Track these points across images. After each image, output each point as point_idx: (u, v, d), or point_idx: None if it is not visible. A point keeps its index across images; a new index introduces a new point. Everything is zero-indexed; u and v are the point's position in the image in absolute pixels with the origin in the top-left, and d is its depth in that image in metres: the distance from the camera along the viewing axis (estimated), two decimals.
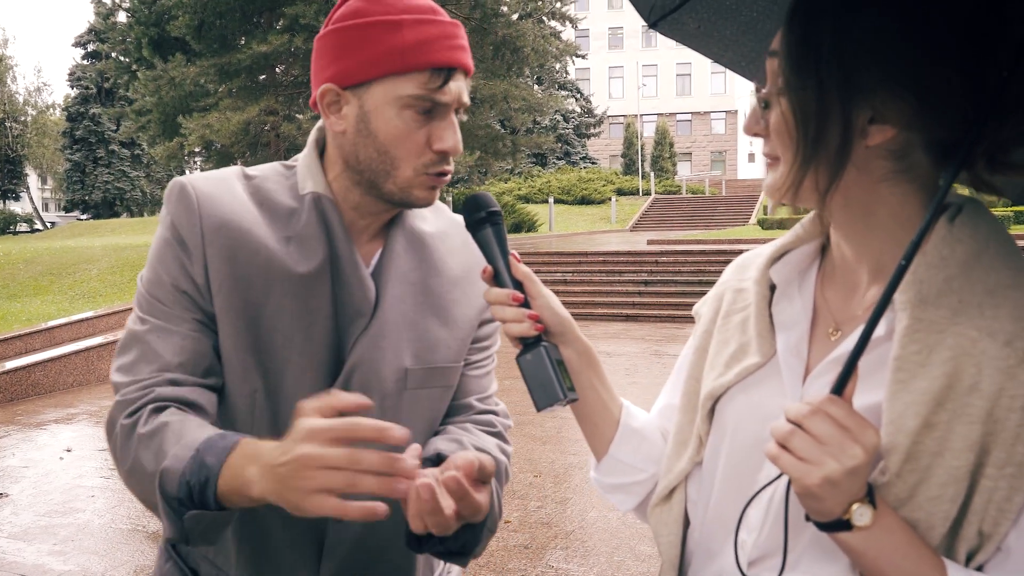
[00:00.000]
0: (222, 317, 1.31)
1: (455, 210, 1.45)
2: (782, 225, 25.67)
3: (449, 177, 1.34)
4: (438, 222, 1.47)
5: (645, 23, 1.41)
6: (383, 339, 1.36)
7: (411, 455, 1.06)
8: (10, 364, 9.55)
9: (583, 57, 33.54)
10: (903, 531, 0.93)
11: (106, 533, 5.22)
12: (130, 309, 11.02)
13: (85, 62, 54.25)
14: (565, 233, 28.49)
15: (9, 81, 56.64)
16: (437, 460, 1.26)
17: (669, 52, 61.99)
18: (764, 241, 19.91)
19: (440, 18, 1.28)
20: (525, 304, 1.19)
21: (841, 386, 0.92)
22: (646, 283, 16.04)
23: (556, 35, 25.01)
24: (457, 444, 1.36)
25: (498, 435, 1.48)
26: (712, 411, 1.17)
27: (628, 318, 14.92)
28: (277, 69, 22.55)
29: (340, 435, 1.01)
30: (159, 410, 1.23)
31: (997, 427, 0.90)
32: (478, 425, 1.46)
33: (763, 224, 26.27)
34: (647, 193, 41.82)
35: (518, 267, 1.22)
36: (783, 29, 1.01)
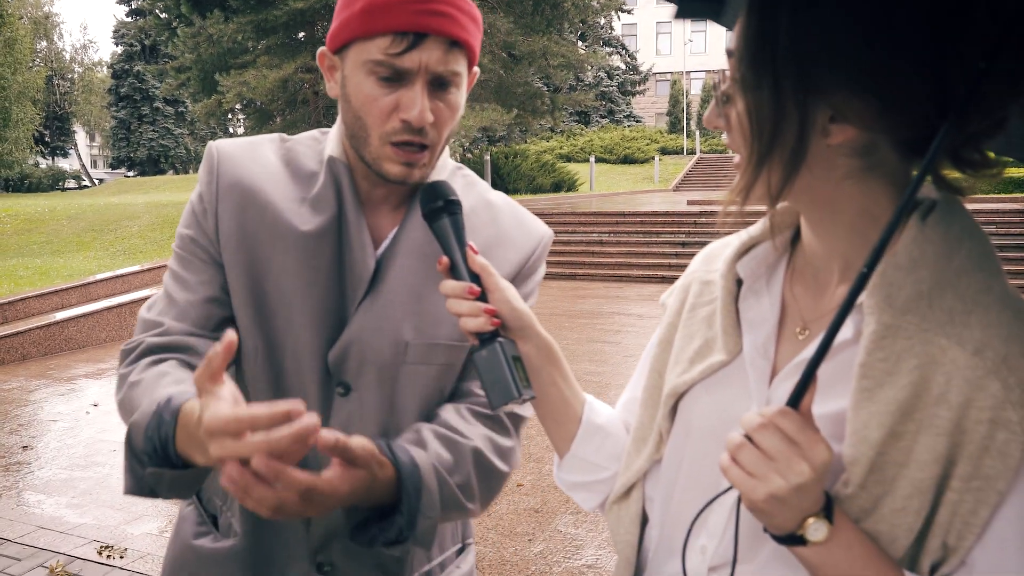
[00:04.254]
0: (230, 268, 1.35)
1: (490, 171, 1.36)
2: None
3: (427, 154, 1.30)
4: (467, 199, 1.40)
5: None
6: (387, 309, 1.35)
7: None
8: (45, 319, 9.70)
9: (628, 12, 33.07)
10: (862, 545, 0.91)
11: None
12: (167, 266, 11.45)
13: (129, 19, 54.57)
14: (606, 193, 28.23)
15: (56, 38, 57.35)
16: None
17: None
18: None
19: None
20: (482, 298, 1.17)
21: (798, 397, 0.88)
22: (683, 244, 15.82)
23: None
24: (415, 435, 1.31)
25: (491, 418, 1.39)
26: (675, 408, 1.14)
27: (664, 279, 14.73)
28: (316, 26, 22.49)
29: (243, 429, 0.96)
30: (154, 362, 1.28)
31: (964, 439, 0.87)
32: (474, 408, 1.39)
33: None
34: (692, 152, 41.32)
35: (475, 259, 1.19)
36: (739, 25, 0.95)
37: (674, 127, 51.93)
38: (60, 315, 9.92)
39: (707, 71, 60.12)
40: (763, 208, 1.00)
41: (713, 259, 1.20)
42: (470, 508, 1.34)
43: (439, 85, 1.27)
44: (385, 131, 1.27)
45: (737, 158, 1.01)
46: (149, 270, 12.50)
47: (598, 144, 39.98)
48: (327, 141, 1.41)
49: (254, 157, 1.39)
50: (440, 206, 1.22)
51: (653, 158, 36.46)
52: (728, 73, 0.98)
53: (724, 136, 1.02)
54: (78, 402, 7.36)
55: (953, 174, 0.95)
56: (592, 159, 30.57)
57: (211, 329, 1.36)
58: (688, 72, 57.56)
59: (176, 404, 1.13)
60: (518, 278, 1.43)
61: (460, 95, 1.31)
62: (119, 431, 6.45)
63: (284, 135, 1.46)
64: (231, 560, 1.43)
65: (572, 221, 17.44)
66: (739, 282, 1.12)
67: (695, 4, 0.97)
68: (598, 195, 26.77)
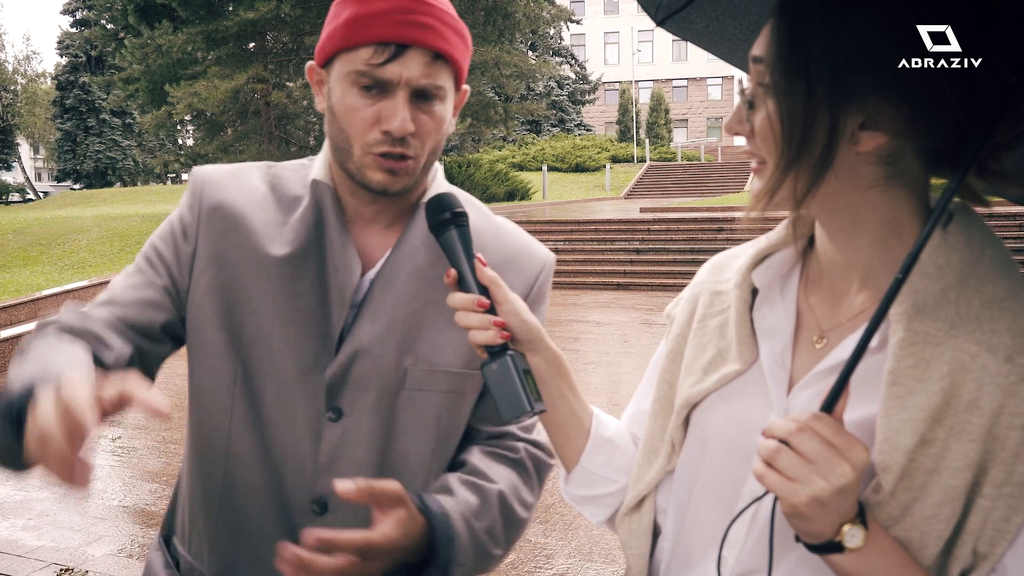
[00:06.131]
0: (204, 294, 1.33)
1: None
2: None
3: (410, 163, 1.28)
4: (473, 219, 1.34)
5: (653, 21, 1.38)
6: (385, 332, 1.32)
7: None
8: None
9: (577, 23, 33.27)
10: (896, 552, 0.91)
11: (84, 508, 5.16)
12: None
13: (74, 30, 53.64)
14: (559, 201, 28.32)
15: None
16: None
17: None
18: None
19: None
20: (491, 310, 1.15)
21: (831, 403, 0.89)
22: (638, 251, 15.95)
23: (550, 0, 24.74)
24: (442, 482, 1.35)
25: (516, 464, 1.41)
26: (688, 419, 1.14)
27: (619, 287, 14.82)
28: (267, 36, 22.29)
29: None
30: (56, 331, 1.23)
31: (996, 445, 0.88)
32: (501, 452, 1.41)
33: None
34: (642, 160, 41.63)
35: (484, 271, 1.18)
36: (769, 31, 0.97)
37: (624, 135, 52.37)
38: (9, 331, 9.68)
39: (655, 80, 60.75)
40: (778, 216, 1.02)
41: (723, 269, 1.20)
42: (496, 554, 1.35)
43: (422, 97, 1.26)
44: (367, 142, 1.25)
45: (755, 163, 1.02)
46: (99, 284, 12.26)
47: (550, 153, 40.11)
48: (313, 166, 1.40)
49: (238, 183, 1.38)
50: (447, 218, 1.21)
51: (604, 166, 36.69)
52: (753, 79, 0.99)
53: (746, 143, 1.03)
54: None
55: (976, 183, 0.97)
56: (544, 168, 30.70)
57: (130, 329, 1.29)
58: (636, 81, 58.12)
59: (33, 384, 1.03)
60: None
61: (445, 109, 1.30)
62: None
63: (271, 163, 1.45)
64: None
65: (528, 230, 17.21)
66: (753, 292, 1.13)
67: None
68: (551, 203, 26.83)
